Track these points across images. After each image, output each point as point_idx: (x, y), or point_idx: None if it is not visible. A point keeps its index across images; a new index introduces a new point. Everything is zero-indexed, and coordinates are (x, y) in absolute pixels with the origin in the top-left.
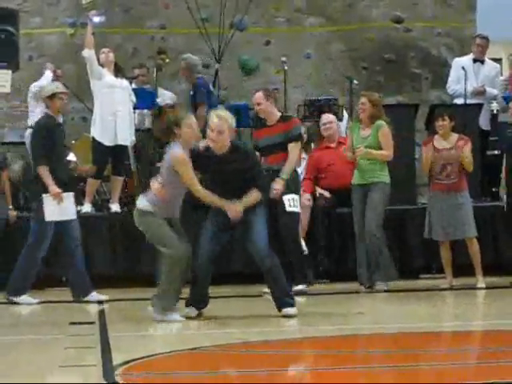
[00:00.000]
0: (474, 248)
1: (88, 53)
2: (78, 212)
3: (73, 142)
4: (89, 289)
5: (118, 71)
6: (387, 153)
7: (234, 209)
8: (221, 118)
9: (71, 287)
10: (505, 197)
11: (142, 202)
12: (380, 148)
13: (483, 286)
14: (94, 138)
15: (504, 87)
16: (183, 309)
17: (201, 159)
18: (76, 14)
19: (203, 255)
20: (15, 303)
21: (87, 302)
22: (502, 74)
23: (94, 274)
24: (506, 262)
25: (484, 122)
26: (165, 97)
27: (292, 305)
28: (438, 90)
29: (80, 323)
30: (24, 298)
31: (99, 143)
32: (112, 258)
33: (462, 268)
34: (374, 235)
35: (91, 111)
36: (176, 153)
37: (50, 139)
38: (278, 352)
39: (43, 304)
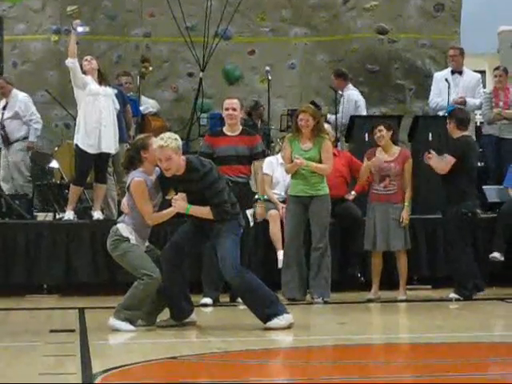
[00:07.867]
0: (403, 261)
1: (71, 62)
2: (60, 219)
3: (55, 148)
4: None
5: (102, 79)
6: (327, 166)
7: (180, 203)
8: (162, 147)
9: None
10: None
11: (121, 227)
12: (320, 162)
13: (404, 298)
14: (77, 145)
15: (488, 100)
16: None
17: (167, 181)
18: (60, 21)
19: (167, 247)
20: None
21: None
22: (484, 87)
23: (74, 282)
24: None
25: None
26: (148, 105)
27: (275, 315)
28: (421, 101)
29: (60, 331)
30: None
31: (82, 150)
32: (93, 265)
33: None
34: (320, 247)
35: (74, 118)
36: (134, 179)
37: None
38: (258, 362)
39: (23, 311)
